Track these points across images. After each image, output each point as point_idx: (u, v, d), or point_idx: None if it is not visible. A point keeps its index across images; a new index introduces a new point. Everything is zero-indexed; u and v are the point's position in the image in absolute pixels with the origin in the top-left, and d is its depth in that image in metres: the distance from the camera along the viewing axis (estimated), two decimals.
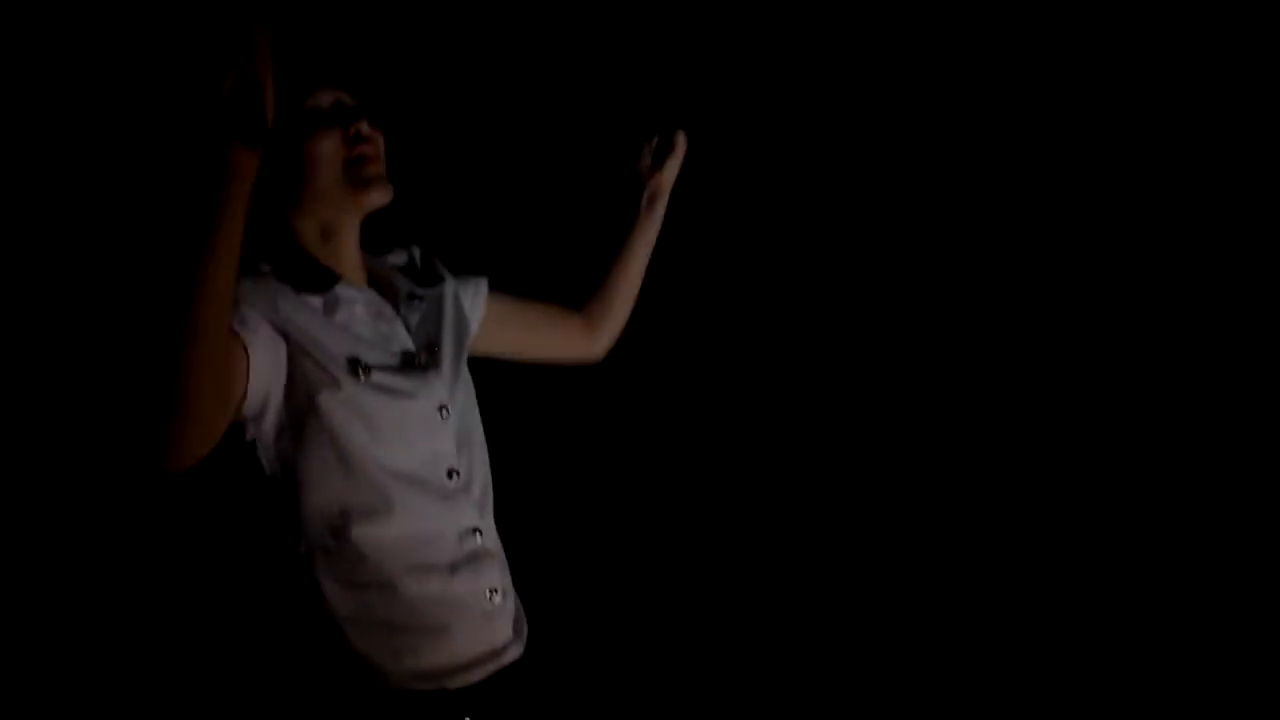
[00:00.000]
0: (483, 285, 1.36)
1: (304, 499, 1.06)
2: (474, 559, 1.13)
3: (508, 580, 1.20)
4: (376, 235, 1.24)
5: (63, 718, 1.90)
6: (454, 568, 1.11)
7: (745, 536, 2.42)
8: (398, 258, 1.31)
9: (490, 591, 1.14)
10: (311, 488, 1.06)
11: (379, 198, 1.13)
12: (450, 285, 1.29)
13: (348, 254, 1.16)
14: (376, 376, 1.07)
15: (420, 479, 1.10)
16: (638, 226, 1.49)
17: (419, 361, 1.14)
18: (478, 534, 1.14)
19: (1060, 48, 2.23)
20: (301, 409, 1.05)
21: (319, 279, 1.10)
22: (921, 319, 2.39)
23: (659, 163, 1.48)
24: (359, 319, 1.12)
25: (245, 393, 1.00)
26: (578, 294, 1.49)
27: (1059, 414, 2.32)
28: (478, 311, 1.34)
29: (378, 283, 1.20)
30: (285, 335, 1.04)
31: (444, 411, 1.14)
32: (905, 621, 2.34)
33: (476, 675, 1.11)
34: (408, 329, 1.17)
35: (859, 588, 2.37)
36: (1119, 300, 2.27)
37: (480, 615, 1.12)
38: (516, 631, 1.18)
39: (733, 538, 2.41)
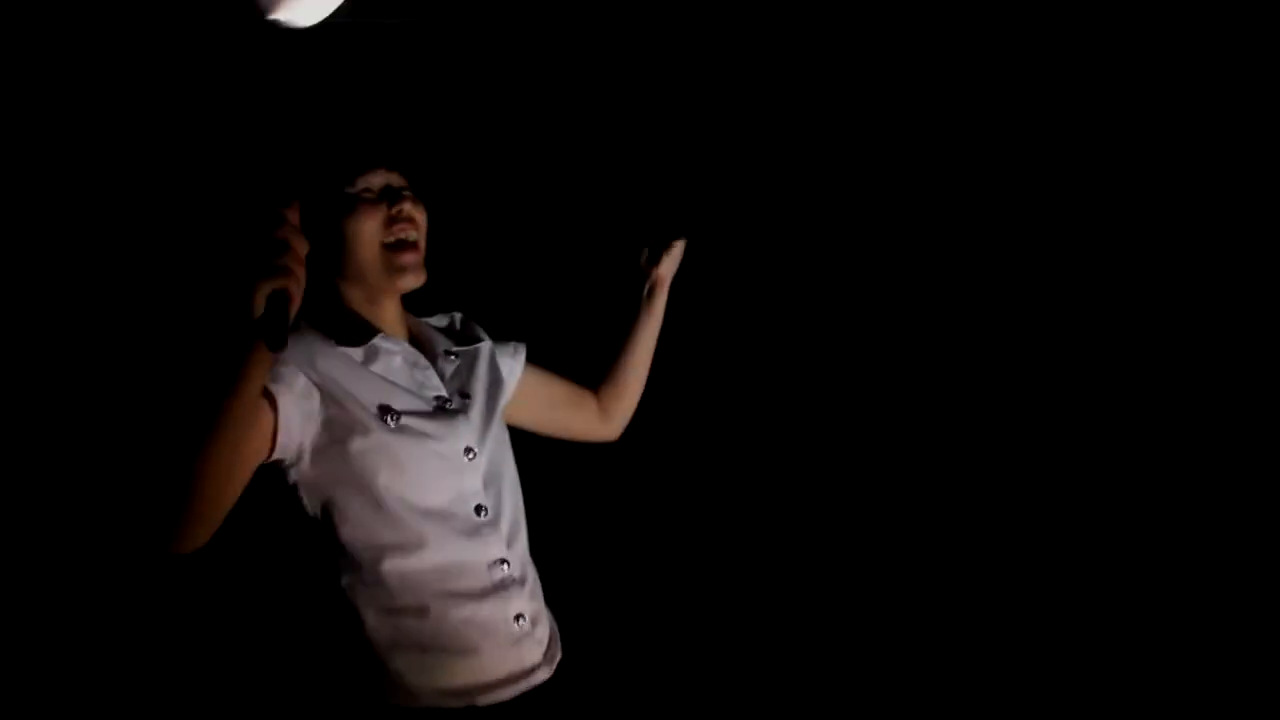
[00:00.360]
0: (521, 351, 1.48)
1: (342, 535, 1.16)
2: (502, 587, 1.22)
3: (538, 606, 1.29)
4: (422, 300, 1.37)
5: None
6: (483, 595, 1.20)
7: (772, 560, 2.48)
8: (439, 320, 1.43)
9: (517, 618, 1.23)
10: (349, 525, 1.16)
11: (411, 282, 1.26)
12: (486, 346, 1.41)
13: (390, 315, 1.29)
14: (405, 421, 1.19)
15: (449, 514, 1.20)
16: (639, 319, 1.58)
17: (449, 407, 1.25)
18: (505, 564, 1.23)
19: (1066, 49, 2.26)
20: (336, 453, 1.15)
21: (358, 333, 1.22)
22: (925, 324, 2.43)
23: (655, 260, 1.56)
24: (396, 369, 1.24)
25: (274, 446, 1.09)
26: (592, 375, 1.59)
27: (1061, 414, 2.34)
28: (515, 373, 1.45)
29: (417, 340, 1.32)
30: (320, 387, 1.15)
31: (470, 453, 1.24)
32: (930, 625, 2.38)
33: (505, 694, 1.19)
34: (441, 378, 1.28)
35: (890, 611, 2.41)
36: (1121, 301, 2.28)
37: (507, 638, 1.21)
38: (548, 656, 1.26)
39: (761, 560, 2.47)
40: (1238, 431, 2.20)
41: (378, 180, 1.25)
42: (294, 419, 1.11)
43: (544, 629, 1.29)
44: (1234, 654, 2.14)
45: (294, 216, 0.97)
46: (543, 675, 1.24)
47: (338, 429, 1.15)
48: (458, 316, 1.46)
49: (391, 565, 1.16)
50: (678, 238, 1.57)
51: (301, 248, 0.95)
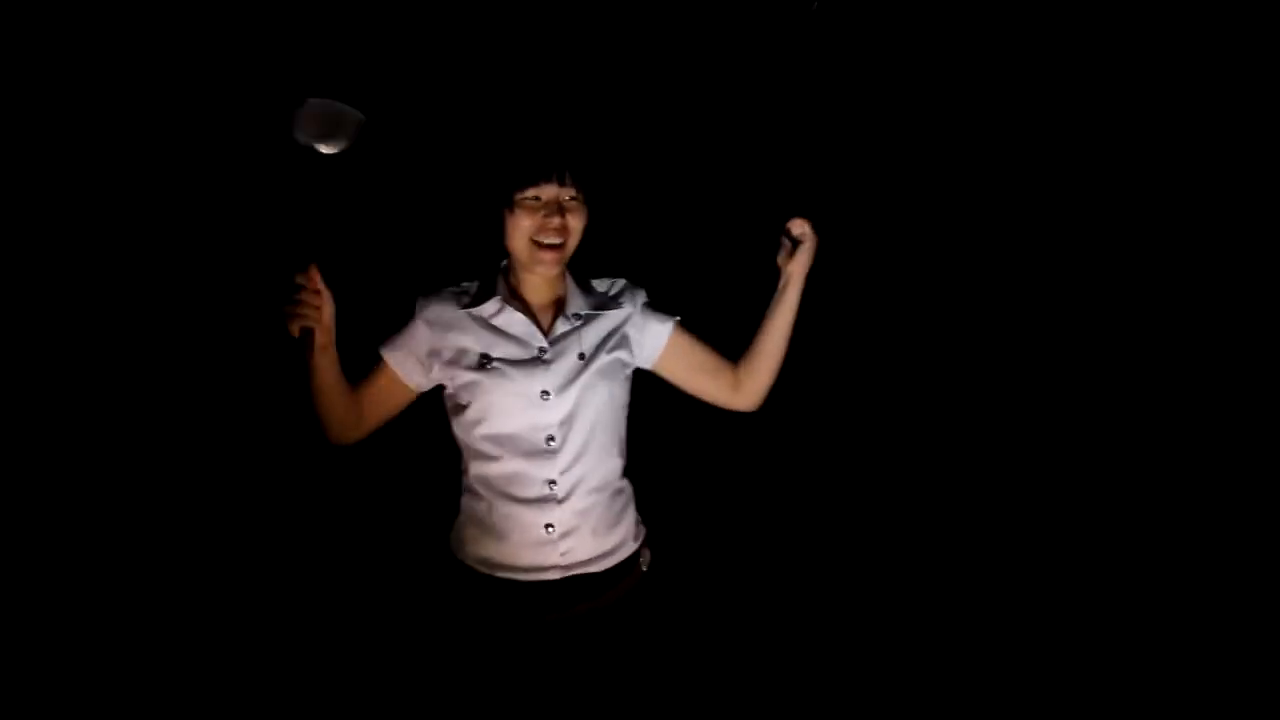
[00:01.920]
0: (668, 323, 1.71)
1: (459, 434, 1.64)
2: (544, 501, 1.58)
3: (578, 523, 1.59)
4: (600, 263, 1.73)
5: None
6: (527, 502, 1.58)
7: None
8: (601, 284, 1.74)
9: (547, 526, 1.58)
10: (462, 429, 1.63)
11: (545, 272, 1.61)
12: (617, 312, 1.69)
13: (534, 281, 1.66)
14: (496, 365, 1.59)
15: (521, 438, 1.58)
16: (773, 309, 1.69)
17: (545, 357, 1.60)
18: (553, 485, 1.58)
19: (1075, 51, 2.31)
20: (451, 384, 1.63)
21: (484, 298, 1.64)
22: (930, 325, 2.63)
23: (790, 256, 1.66)
24: (515, 323, 1.63)
25: (408, 387, 1.62)
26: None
27: (1065, 415, 2.45)
28: (661, 336, 1.70)
29: (562, 300, 1.67)
30: (440, 338, 1.61)
31: (545, 395, 1.58)
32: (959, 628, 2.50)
33: (517, 576, 1.58)
34: (545, 333, 1.62)
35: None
36: (1125, 301, 2.34)
37: (534, 539, 1.58)
38: (565, 561, 1.59)
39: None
40: (1238, 431, 2.23)
41: (548, 191, 1.55)
42: (410, 368, 1.62)
43: (574, 544, 1.59)
44: (1234, 654, 2.18)
45: (313, 278, 1.45)
46: (551, 575, 1.58)
47: (452, 366, 1.61)
48: (619, 284, 1.74)
49: (476, 464, 1.61)
50: (809, 236, 1.64)
51: (314, 299, 1.44)
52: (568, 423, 1.58)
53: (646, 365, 1.72)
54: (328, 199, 1.46)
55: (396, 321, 1.65)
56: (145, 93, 2.30)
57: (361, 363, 1.63)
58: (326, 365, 1.51)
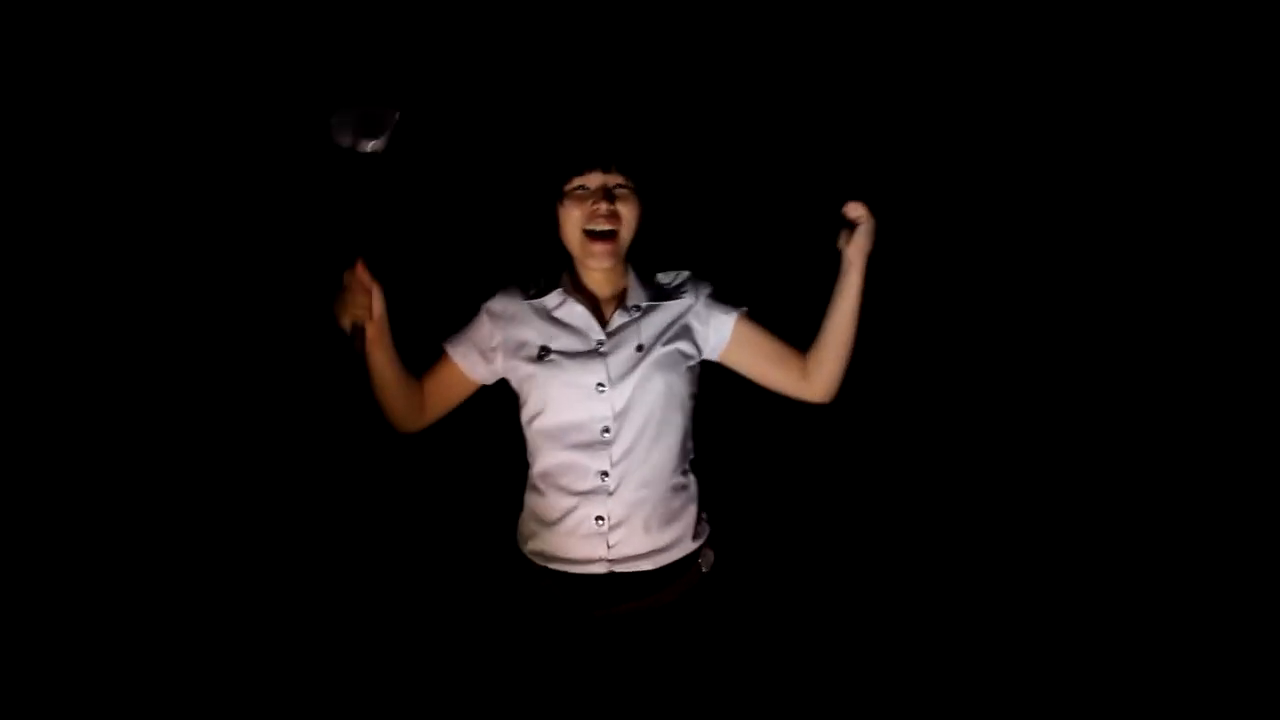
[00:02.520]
0: (733, 314, 1.67)
1: (524, 431, 1.65)
2: (595, 492, 1.57)
3: (628, 515, 1.56)
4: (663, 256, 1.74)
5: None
6: (579, 493, 1.58)
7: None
8: (665, 276, 1.73)
9: (597, 519, 1.56)
10: (524, 425, 1.65)
11: (598, 264, 1.60)
12: (677, 304, 1.66)
13: (594, 273, 1.65)
14: (554, 357, 1.60)
15: (578, 428, 1.58)
16: (836, 295, 1.61)
17: (602, 349, 1.59)
18: (605, 476, 1.56)
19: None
20: (514, 377, 1.65)
21: (546, 290, 1.66)
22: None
23: (848, 240, 1.58)
24: (576, 315, 1.63)
25: (464, 380, 1.66)
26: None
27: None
28: (723, 331, 1.67)
29: (624, 291, 1.66)
30: (504, 331, 1.63)
31: (601, 387, 1.57)
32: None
33: (566, 568, 1.57)
34: (603, 325, 1.61)
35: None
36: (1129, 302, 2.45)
37: (583, 530, 1.57)
38: (614, 555, 1.56)
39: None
40: (1238, 431, 2.36)
41: (595, 180, 1.56)
42: (472, 360, 1.65)
43: (623, 537, 1.56)
44: (1234, 654, 2.24)
45: (360, 273, 1.49)
46: (597, 569, 1.56)
47: (514, 358, 1.63)
48: (682, 275, 1.72)
49: (537, 456, 1.62)
50: (866, 218, 1.57)
51: (361, 291, 1.49)
52: (623, 414, 1.57)
53: (713, 357, 1.69)
54: (378, 197, 1.51)
55: (465, 315, 1.68)
56: (188, 93, 2.36)
57: (428, 354, 1.67)
58: (382, 358, 1.55)
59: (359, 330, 1.50)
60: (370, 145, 1.48)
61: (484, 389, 1.68)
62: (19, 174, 2.25)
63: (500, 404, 1.69)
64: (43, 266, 2.29)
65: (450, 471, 2.50)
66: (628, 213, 1.57)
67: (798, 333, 1.70)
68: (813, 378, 1.65)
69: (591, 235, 1.57)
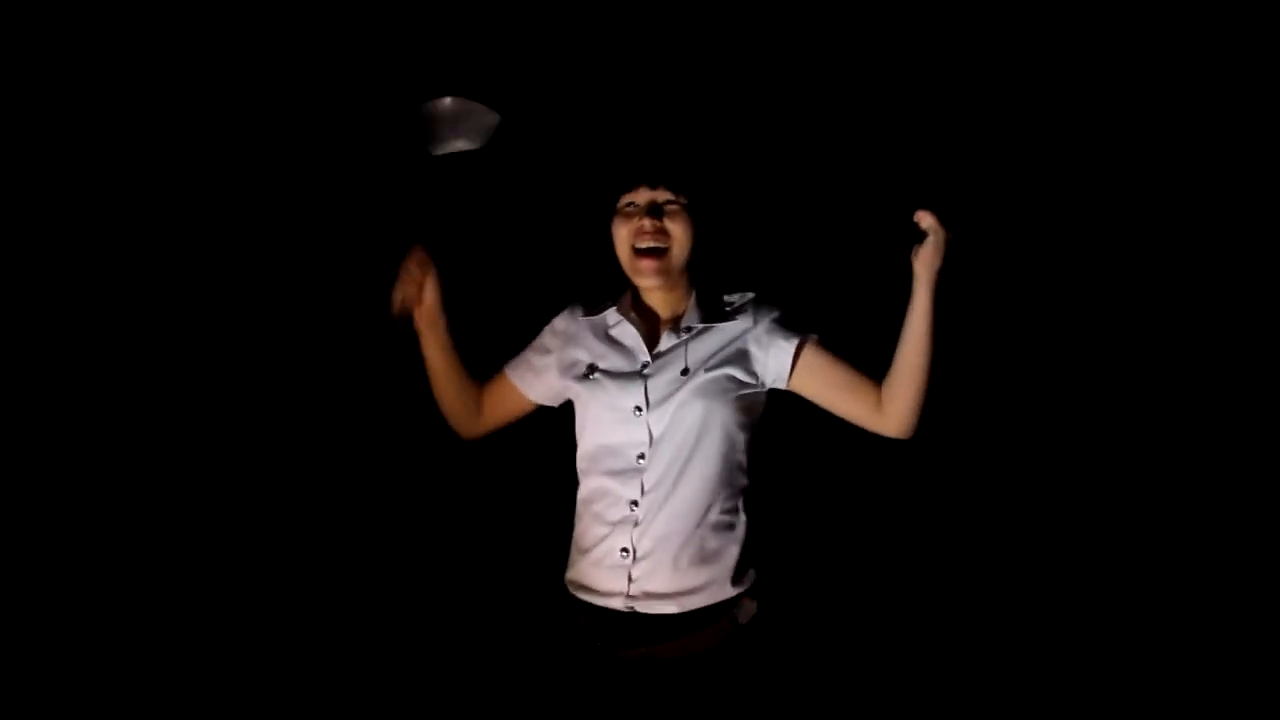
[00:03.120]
0: (794, 340, 1.53)
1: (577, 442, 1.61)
2: (624, 521, 1.49)
3: (656, 549, 1.46)
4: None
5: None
6: (610, 521, 1.50)
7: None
8: (731, 297, 1.62)
9: (622, 551, 1.48)
10: (577, 435, 1.60)
11: (647, 282, 1.55)
12: (739, 328, 1.55)
13: (651, 292, 1.59)
14: (599, 376, 1.55)
15: (615, 452, 1.51)
16: (908, 316, 1.46)
17: (645, 372, 1.53)
18: (635, 505, 1.48)
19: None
20: (569, 395, 1.61)
21: (600, 310, 1.63)
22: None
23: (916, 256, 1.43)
24: (628, 334, 1.58)
25: (518, 396, 1.65)
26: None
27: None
28: (784, 357, 1.53)
29: (679, 313, 1.58)
30: (564, 347, 1.61)
31: (639, 411, 1.49)
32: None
33: (589, 599, 1.50)
34: (651, 346, 1.55)
35: None
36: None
37: (608, 561, 1.49)
38: (634, 591, 1.46)
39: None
40: (1239, 432, 2.34)
41: (642, 196, 1.52)
42: (524, 375, 1.64)
43: (647, 572, 1.45)
44: (1234, 654, 2.26)
45: (416, 257, 1.53)
46: (616, 604, 1.47)
47: (567, 376, 1.60)
48: (746, 297, 1.60)
49: (582, 481, 1.57)
50: (936, 229, 1.41)
51: (415, 277, 1.52)
52: (660, 441, 1.49)
53: (780, 385, 1.56)
54: (458, 195, 1.58)
55: (537, 327, 1.68)
56: (261, 90, 2.32)
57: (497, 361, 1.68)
58: (434, 350, 1.58)
59: (406, 315, 1.54)
60: (462, 144, 1.50)
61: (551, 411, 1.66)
62: (70, 168, 2.29)
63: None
64: (85, 266, 2.31)
65: (520, 491, 2.42)
66: (678, 230, 1.52)
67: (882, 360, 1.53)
68: (887, 410, 1.50)
69: (639, 253, 1.52)
